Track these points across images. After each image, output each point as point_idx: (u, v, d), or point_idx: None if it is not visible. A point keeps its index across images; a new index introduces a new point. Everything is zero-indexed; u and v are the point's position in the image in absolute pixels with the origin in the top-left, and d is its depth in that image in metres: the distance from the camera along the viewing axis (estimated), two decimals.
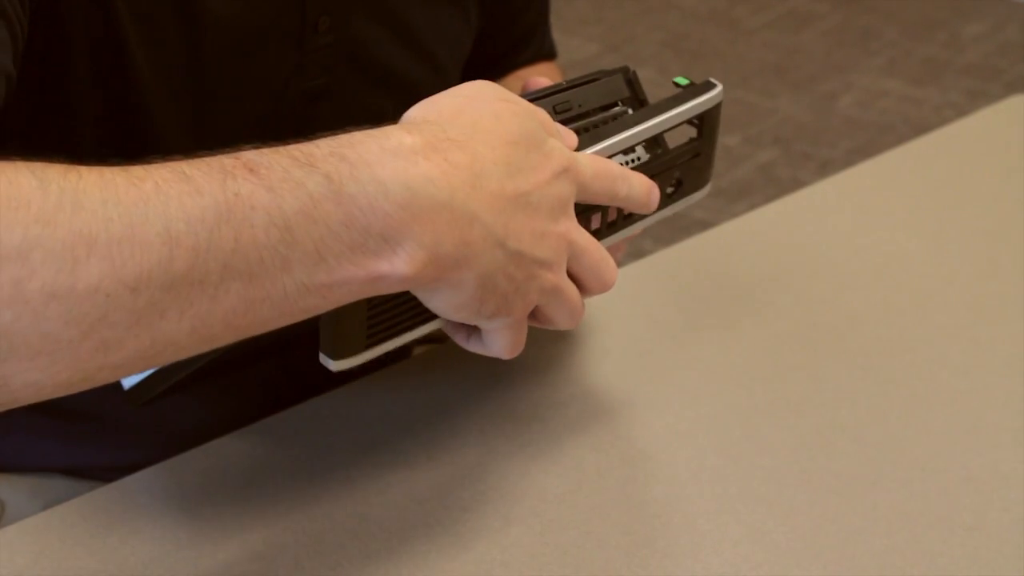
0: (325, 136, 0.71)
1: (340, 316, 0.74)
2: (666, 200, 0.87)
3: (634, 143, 0.82)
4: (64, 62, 0.87)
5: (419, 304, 0.75)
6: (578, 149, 0.80)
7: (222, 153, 0.70)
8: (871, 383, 0.98)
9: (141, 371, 0.69)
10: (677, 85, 0.87)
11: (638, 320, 1.05)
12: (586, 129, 0.84)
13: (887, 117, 3.25)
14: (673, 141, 0.86)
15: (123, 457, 0.97)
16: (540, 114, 0.77)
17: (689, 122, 0.86)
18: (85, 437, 1.00)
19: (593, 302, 1.05)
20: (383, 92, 1.01)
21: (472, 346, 0.79)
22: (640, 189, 0.81)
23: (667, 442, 0.92)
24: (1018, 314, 1.05)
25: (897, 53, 3.58)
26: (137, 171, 0.67)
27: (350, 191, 0.68)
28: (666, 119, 0.84)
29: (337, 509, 0.86)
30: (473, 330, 0.78)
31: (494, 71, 1.16)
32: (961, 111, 3.18)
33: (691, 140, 0.87)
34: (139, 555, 0.83)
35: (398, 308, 0.76)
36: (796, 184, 2.92)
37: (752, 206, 1.23)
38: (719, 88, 0.87)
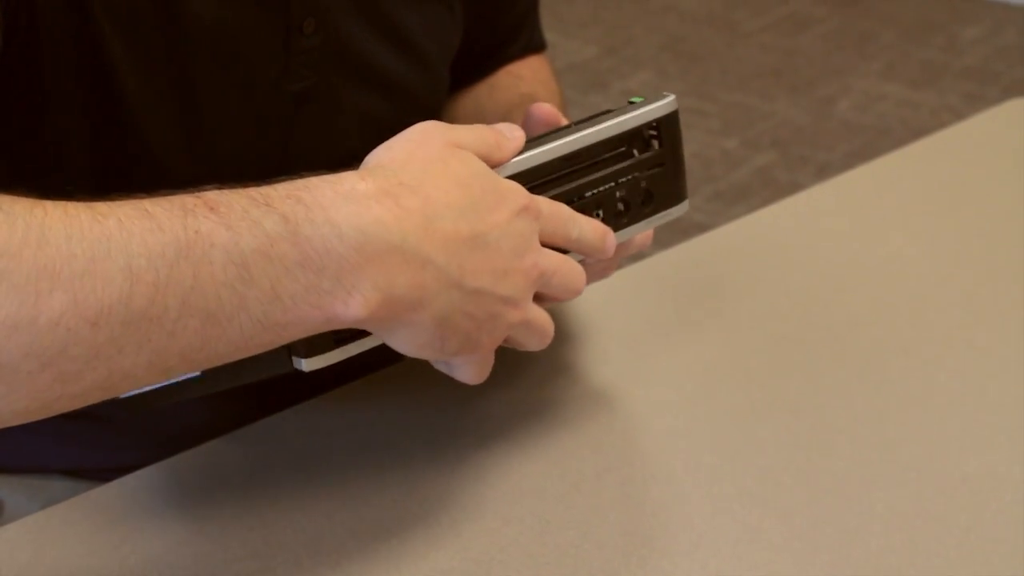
0: (283, 180, 0.73)
1: None
2: (637, 213, 0.87)
3: (566, 152, 0.83)
4: (42, 70, 0.87)
5: None
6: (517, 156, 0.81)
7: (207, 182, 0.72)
8: (868, 385, 0.98)
9: (98, 400, 0.70)
10: (631, 103, 0.87)
11: (637, 322, 1.05)
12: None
13: (885, 120, 3.26)
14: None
15: (122, 457, 0.97)
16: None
17: (646, 133, 0.86)
18: (84, 437, 1.00)
19: (593, 304, 1.05)
20: (372, 92, 1.01)
21: (441, 367, 0.80)
22: (592, 233, 0.82)
23: (665, 443, 0.92)
24: (1015, 317, 1.05)
25: (895, 56, 3.58)
26: (101, 207, 0.68)
27: (306, 232, 0.70)
28: (606, 127, 0.84)
29: (336, 509, 0.86)
30: None
31: (484, 66, 1.16)
32: (959, 114, 3.19)
33: (646, 149, 0.87)
34: (138, 554, 0.84)
35: None
36: (794, 187, 2.92)
37: (750, 209, 1.23)
38: (671, 98, 0.87)
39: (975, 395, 0.97)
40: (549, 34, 1.23)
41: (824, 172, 3.02)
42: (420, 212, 0.73)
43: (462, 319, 0.75)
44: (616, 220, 0.85)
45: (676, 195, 0.89)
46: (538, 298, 0.79)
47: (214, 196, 0.70)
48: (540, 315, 0.79)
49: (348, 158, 1.04)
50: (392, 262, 0.72)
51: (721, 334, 1.03)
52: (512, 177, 0.80)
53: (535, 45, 1.19)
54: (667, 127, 0.87)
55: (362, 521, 0.85)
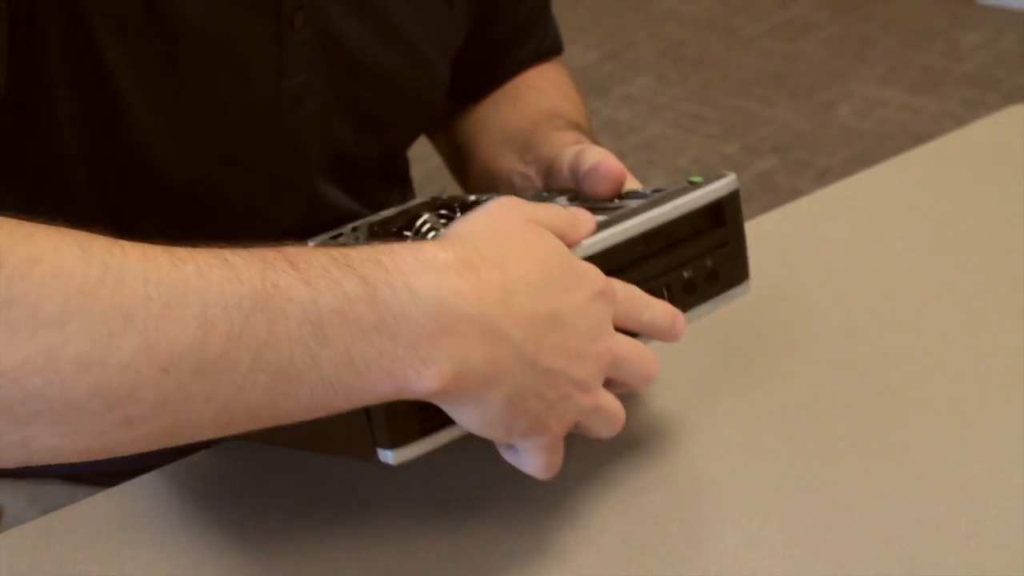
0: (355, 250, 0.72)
1: (389, 403, 0.73)
2: (704, 293, 0.86)
3: (638, 232, 0.82)
4: (38, 68, 0.87)
5: None
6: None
7: (261, 245, 0.71)
8: (868, 391, 0.98)
9: (159, 447, 0.69)
10: (691, 183, 0.87)
11: None
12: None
13: (885, 126, 3.26)
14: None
15: (122, 462, 0.96)
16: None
17: (708, 213, 0.86)
18: None
19: None
20: (366, 88, 1.01)
21: (508, 456, 0.78)
22: (663, 316, 0.81)
23: (664, 449, 0.92)
24: (1016, 323, 1.05)
25: (896, 62, 3.58)
26: (180, 252, 0.68)
27: (384, 296, 0.69)
28: (672, 208, 0.84)
29: (336, 514, 0.86)
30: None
31: (497, 71, 1.16)
32: (959, 120, 3.19)
33: (714, 229, 0.87)
34: (139, 560, 0.84)
35: None
36: (795, 192, 2.92)
37: (750, 215, 1.23)
38: (732, 176, 0.87)
39: (976, 401, 0.97)
40: None
41: (825, 177, 3.02)
42: (499, 286, 0.72)
43: (533, 399, 0.73)
44: (683, 300, 0.85)
45: (740, 274, 0.89)
46: (609, 383, 0.78)
47: (295, 251, 0.70)
48: (611, 401, 0.78)
49: (344, 155, 1.04)
50: (469, 334, 0.71)
51: (719, 340, 1.03)
52: (587, 259, 0.79)
53: (547, 48, 1.18)
54: (730, 206, 0.87)
55: (361, 526, 0.85)
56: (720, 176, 0.88)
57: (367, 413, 0.74)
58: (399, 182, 1.15)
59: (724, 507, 0.87)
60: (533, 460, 0.77)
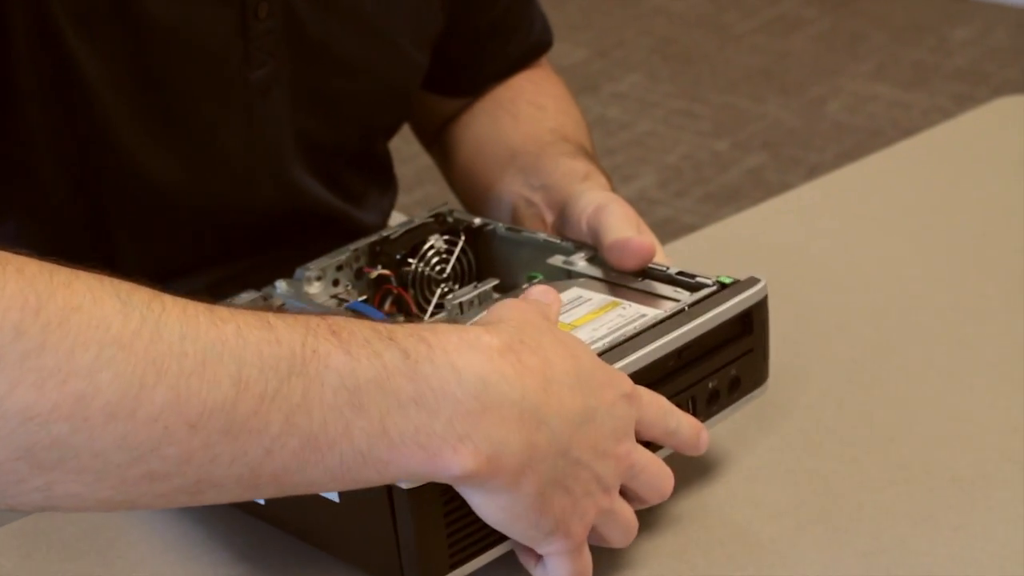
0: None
1: (420, 535, 0.73)
2: (725, 401, 0.86)
3: (674, 348, 0.81)
4: (6, 72, 0.87)
5: None
6: (617, 357, 0.79)
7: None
8: (858, 384, 0.98)
9: (182, 505, 0.69)
10: (721, 284, 0.86)
11: None
12: None
13: (876, 121, 3.26)
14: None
15: None
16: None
17: (738, 322, 0.85)
18: None
19: None
20: (334, 76, 1.01)
21: (538, 573, 0.77)
22: (689, 428, 0.80)
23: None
24: (1006, 315, 1.05)
25: (885, 57, 3.59)
26: (222, 312, 0.68)
27: (425, 371, 0.68)
28: (706, 320, 0.83)
29: None
30: (541, 556, 0.76)
31: (488, 63, 1.15)
32: (949, 115, 3.18)
33: (742, 337, 0.86)
34: (127, 558, 0.83)
35: (478, 523, 0.74)
36: (785, 188, 2.91)
37: (741, 210, 1.23)
38: (762, 283, 0.86)
39: (965, 394, 0.97)
40: None
41: (815, 173, 3.02)
42: (541, 373, 0.71)
43: (561, 494, 0.72)
44: (707, 409, 0.85)
45: (760, 377, 0.89)
46: (623, 495, 0.77)
47: (339, 321, 0.69)
48: (625, 507, 0.77)
49: (319, 144, 1.04)
50: (509, 417, 0.70)
51: None
52: (628, 375, 0.79)
53: (536, 42, 1.17)
54: (758, 313, 0.87)
55: None
56: (751, 282, 0.86)
57: (397, 542, 0.73)
58: (380, 174, 1.14)
59: (712, 500, 0.87)
60: (562, 569, 0.75)
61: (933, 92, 3.39)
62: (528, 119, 1.11)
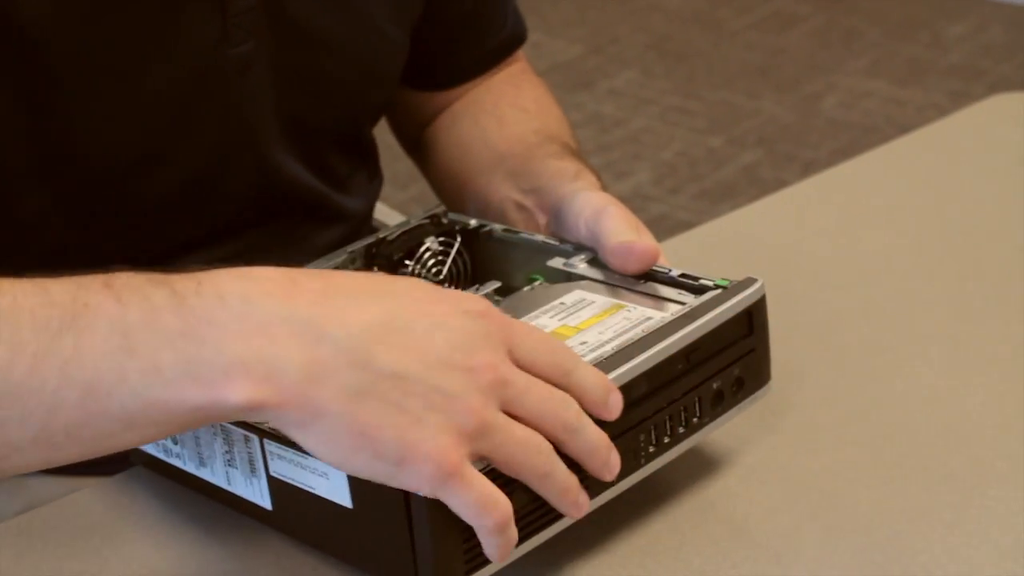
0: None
1: (437, 540, 0.72)
2: (730, 402, 0.85)
3: (680, 348, 0.81)
4: None
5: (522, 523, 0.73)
6: (614, 365, 0.77)
7: None
8: (852, 381, 0.98)
9: None
10: (719, 286, 0.86)
11: None
12: None
13: (871, 118, 3.26)
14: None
15: (105, 457, 0.96)
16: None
17: (739, 322, 0.85)
18: None
19: None
20: (313, 54, 1.00)
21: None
22: (595, 381, 0.73)
23: None
24: (1000, 312, 1.05)
25: (880, 54, 3.59)
26: (3, 284, 0.70)
27: (191, 303, 0.68)
28: (709, 320, 0.83)
29: None
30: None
31: (460, 60, 1.15)
32: (945, 112, 3.19)
33: (743, 338, 0.86)
34: (120, 556, 0.83)
35: None
36: (780, 185, 2.91)
37: (735, 207, 1.24)
38: (760, 283, 0.86)
39: (959, 391, 0.97)
40: (533, 34, 1.22)
41: (810, 170, 3.02)
42: (319, 291, 0.69)
43: (387, 409, 0.67)
44: (711, 412, 0.84)
45: (763, 377, 0.88)
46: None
47: (115, 275, 0.70)
48: (516, 427, 0.69)
49: (301, 125, 1.03)
50: (279, 335, 0.67)
51: None
52: (636, 377, 0.78)
53: (509, 36, 1.17)
54: (758, 313, 0.87)
55: None
56: (748, 282, 0.86)
57: (412, 548, 0.73)
58: (365, 159, 1.13)
59: (706, 498, 0.87)
60: (457, 502, 0.68)
61: (928, 89, 3.39)
62: (512, 121, 1.10)
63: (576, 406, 0.72)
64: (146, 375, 0.67)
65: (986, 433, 0.92)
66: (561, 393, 0.71)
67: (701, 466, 0.89)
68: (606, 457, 0.74)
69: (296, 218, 1.05)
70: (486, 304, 0.72)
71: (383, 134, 1.16)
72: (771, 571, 0.81)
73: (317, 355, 0.67)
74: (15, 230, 0.93)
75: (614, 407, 0.74)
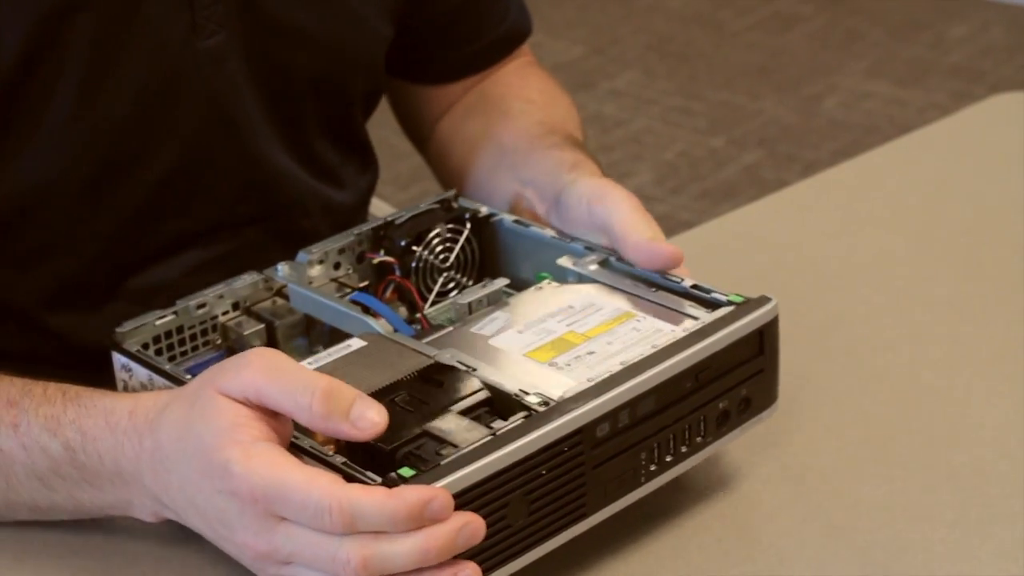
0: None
1: None
2: (735, 422, 0.84)
3: (685, 368, 0.80)
4: None
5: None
6: (622, 381, 0.78)
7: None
8: (854, 380, 0.98)
9: None
10: (731, 303, 0.85)
11: None
12: None
13: (872, 119, 3.26)
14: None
15: None
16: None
17: (750, 342, 0.84)
18: None
19: None
20: (286, 45, 1.00)
21: None
22: (370, 502, 0.71)
23: None
24: (1002, 312, 1.05)
25: (882, 55, 3.58)
26: None
27: (81, 460, 0.81)
28: (721, 338, 0.82)
29: None
30: None
31: (461, 50, 1.14)
32: (946, 112, 3.17)
33: (753, 358, 0.85)
34: (123, 552, 0.83)
35: (506, 531, 0.74)
36: (781, 186, 2.90)
37: (737, 207, 1.23)
38: (773, 303, 0.85)
39: (961, 390, 0.97)
40: (535, 35, 1.21)
41: (811, 170, 3.02)
42: (151, 451, 0.78)
43: (197, 510, 0.77)
44: (717, 431, 0.84)
45: (770, 397, 0.87)
46: None
47: (15, 415, 0.82)
48: (305, 535, 0.73)
49: (287, 116, 1.03)
50: (142, 493, 0.80)
51: None
52: (646, 392, 0.78)
53: (511, 29, 1.17)
54: (770, 333, 0.85)
55: None
56: (762, 301, 0.85)
57: None
58: (356, 149, 1.12)
59: (709, 496, 0.87)
60: None
61: (930, 89, 3.39)
62: (518, 114, 1.10)
63: (347, 543, 0.72)
64: (73, 503, 0.83)
65: (987, 433, 0.92)
66: (328, 539, 0.72)
67: (703, 465, 0.89)
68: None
69: (286, 212, 1.04)
70: (239, 472, 0.73)
71: (383, 134, 1.15)
72: (773, 571, 0.81)
73: (165, 500, 0.80)
74: None
75: (417, 518, 0.71)
